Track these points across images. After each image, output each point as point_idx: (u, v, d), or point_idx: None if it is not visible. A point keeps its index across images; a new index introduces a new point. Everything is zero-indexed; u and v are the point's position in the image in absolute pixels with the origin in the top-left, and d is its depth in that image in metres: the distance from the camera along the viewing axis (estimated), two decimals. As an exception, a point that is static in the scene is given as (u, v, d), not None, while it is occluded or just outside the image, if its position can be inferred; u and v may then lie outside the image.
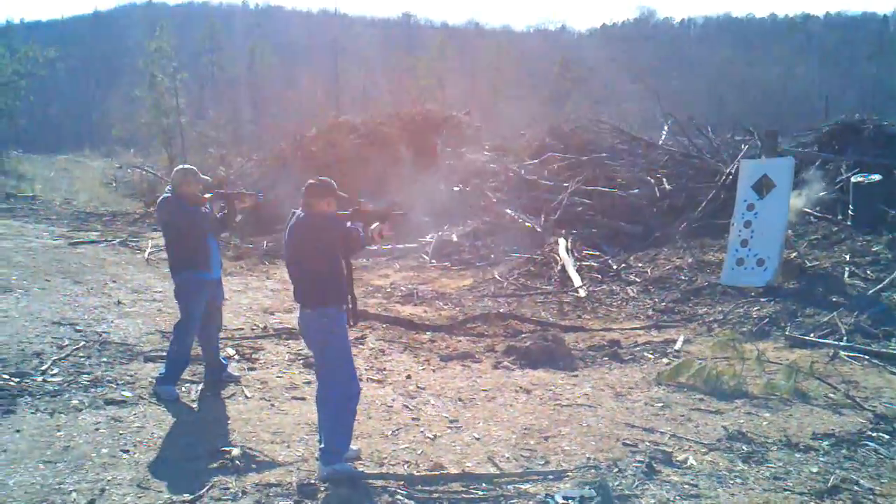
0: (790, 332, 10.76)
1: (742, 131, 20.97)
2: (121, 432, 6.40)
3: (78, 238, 18.20)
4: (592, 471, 6.00)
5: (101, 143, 50.56)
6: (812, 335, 10.57)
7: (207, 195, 7.73)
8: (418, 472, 5.88)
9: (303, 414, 7.19)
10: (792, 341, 10.45)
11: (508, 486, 5.63)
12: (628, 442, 6.74)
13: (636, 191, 17.20)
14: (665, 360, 9.83)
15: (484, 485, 5.63)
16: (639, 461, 6.27)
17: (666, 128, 21.94)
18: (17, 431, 6.25)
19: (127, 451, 6.00)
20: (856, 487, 5.88)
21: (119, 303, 11.40)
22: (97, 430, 6.41)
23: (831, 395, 8.29)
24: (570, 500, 4.90)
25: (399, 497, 5.28)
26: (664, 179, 17.52)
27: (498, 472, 5.87)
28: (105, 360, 8.41)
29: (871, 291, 11.52)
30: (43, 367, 7.84)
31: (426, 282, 14.90)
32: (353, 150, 20.54)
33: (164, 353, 8.62)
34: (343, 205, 6.00)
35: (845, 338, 10.29)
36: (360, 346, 9.87)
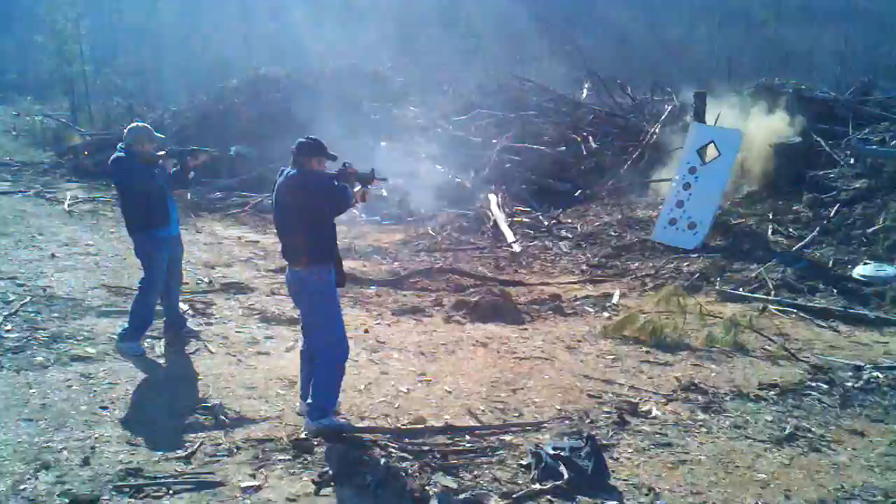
0: (721, 286, 11.18)
1: (659, 91, 21.44)
2: (94, 389, 6.29)
3: (-10, 189, 17.44)
4: (566, 422, 6.23)
5: (-9, 89, 48.11)
6: (742, 289, 11.02)
7: (161, 152, 7.55)
8: (402, 425, 5.97)
9: (271, 369, 7.19)
10: (723, 296, 10.88)
11: (491, 438, 5.80)
12: (592, 394, 6.98)
13: (563, 148, 17.46)
14: (606, 315, 10.13)
15: (467, 436, 5.77)
16: (607, 412, 6.52)
17: (586, 87, 22.23)
18: (-14, 389, 6.10)
19: (106, 409, 5.92)
20: (809, 434, 6.26)
21: (53, 256, 11.05)
22: (69, 387, 6.28)
23: (767, 348, 8.72)
24: (559, 451, 5.07)
25: (392, 450, 5.37)
26: (590, 138, 17.81)
27: (479, 425, 6.03)
28: (56, 315, 8.18)
29: (794, 248, 12.07)
30: (-4, 324, 7.61)
31: (359, 237, 14.86)
32: (276, 103, 20.14)
33: (117, 309, 8.52)
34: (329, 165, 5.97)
35: (773, 292, 10.77)
36: (310, 301, 9.83)
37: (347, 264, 12.21)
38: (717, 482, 5.29)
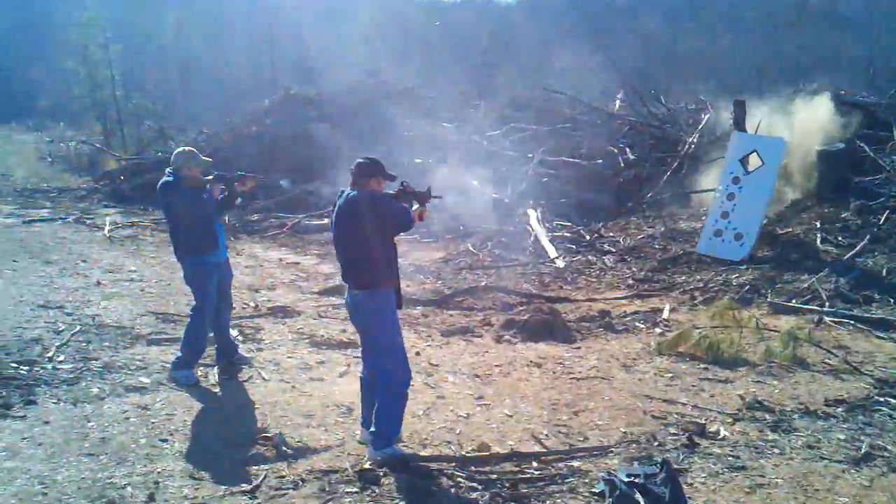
0: (772, 298, 10.96)
1: (694, 100, 21.24)
2: (152, 420, 6.21)
3: (30, 216, 17.55)
4: (634, 445, 6.06)
5: (26, 116, 48.67)
6: (794, 301, 10.79)
7: (208, 178, 7.49)
8: (465, 452, 5.84)
9: (326, 395, 7.08)
10: (776, 308, 10.64)
11: (559, 464, 5.65)
12: (656, 415, 6.81)
13: (600, 161, 17.30)
14: (658, 330, 9.95)
15: (534, 463, 5.63)
16: (674, 434, 6.34)
17: (619, 97, 22.07)
18: (46, 423, 6.03)
19: (166, 441, 5.83)
20: (885, 453, 6.04)
21: (98, 283, 11.07)
22: (127, 419, 6.21)
23: (828, 361, 8.49)
24: (634, 477, 4.91)
25: (460, 479, 5.23)
26: (627, 149, 17.64)
27: (544, 450, 5.88)
28: (107, 344, 8.16)
29: (845, 257, 11.80)
30: (48, 354, 7.58)
31: (399, 255, 14.73)
32: (308, 122, 20.16)
33: (167, 336, 8.47)
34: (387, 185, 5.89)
35: (827, 303, 10.53)
36: (358, 324, 9.75)
37: (391, 284, 12.21)
38: (801, 508, 5.10)
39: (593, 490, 5.21)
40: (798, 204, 14.02)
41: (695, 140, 16.54)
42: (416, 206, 5.88)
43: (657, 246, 13.89)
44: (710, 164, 15.16)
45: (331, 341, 8.82)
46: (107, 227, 16.35)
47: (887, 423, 6.74)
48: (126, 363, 7.57)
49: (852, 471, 5.70)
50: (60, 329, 8.51)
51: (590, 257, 13.93)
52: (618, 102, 21.67)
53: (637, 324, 10.29)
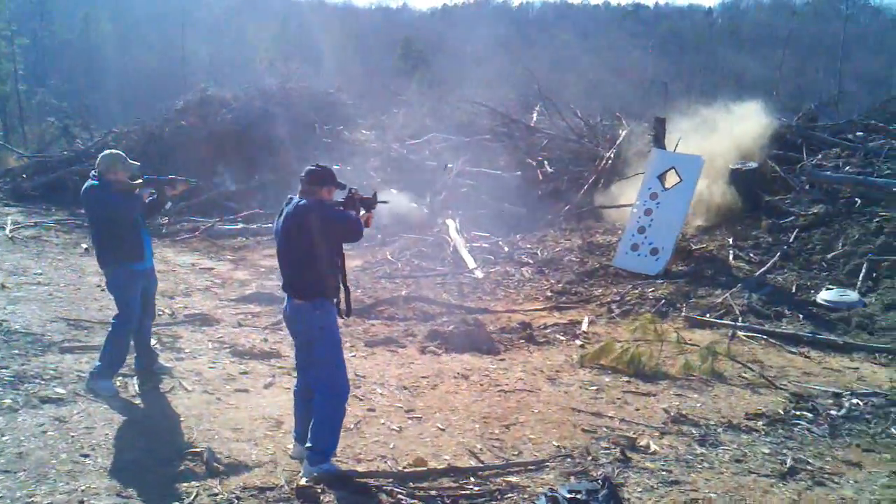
0: (687, 312, 11.18)
1: (610, 116, 21.63)
2: (71, 434, 5.89)
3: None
4: (568, 460, 6.05)
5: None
6: (708, 315, 11.03)
7: (137, 181, 7.19)
8: (402, 467, 5.73)
9: (254, 407, 6.87)
10: (691, 321, 10.86)
11: (496, 479, 5.58)
12: (586, 428, 6.83)
13: (518, 173, 17.41)
14: (578, 342, 10.04)
15: (472, 479, 5.55)
16: (605, 448, 6.37)
17: (537, 110, 22.28)
18: (-47, 437, 5.67)
19: (87, 456, 5.53)
20: (808, 467, 6.19)
21: (3, 287, 10.55)
22: (44, 432, 5.87)
23: (744, 375, 8.71)
24: (576, 493, 4.88)
25: (400, 496, 5.11)
26: (545, 162, 17.81)
27: (481, 465, 5.82)
28: (17, 352, 7.74)
29: (757, 273, 12.15)
30: (-47, 362, 7.16)
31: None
32: (226, 125, 19.70)
33: (80, 344, 8.15)
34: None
35: (740, 318, 10.80)
36: (280, 333, 9.53)
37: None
38: (738, 523, 5.17)
39: (534, 506, 5.18)
40: (710, 220, 14.36)
41: (611, 155, 16.79)
42: (362, 213, 5.73)
43: (574, 259, 14.03)
44: (626, 179, 15.39)
45: (253, 351, 8.58)
46: (8, 227, 15.66)
47: (806, 437, 6.91)
48: (39, 372, 7.19)
49: (780, 484, 5.81)
50: (-37, 334, 8.06)
51: (508, 268, 13.98)
52: (535, 115, 21.84)
53: (558, 336, 10.35)
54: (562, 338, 10.25)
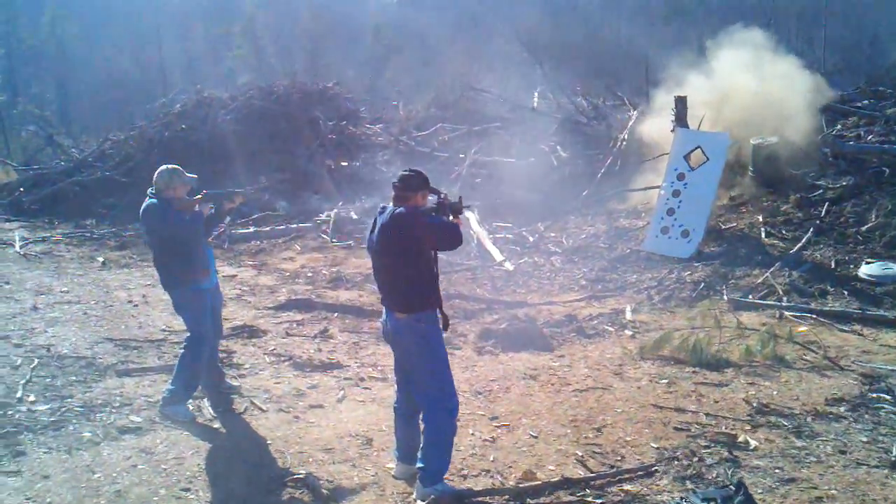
0: (729, 294, 11.05)
1: (612, 96, 21.46)
2: (162, 467, 5.68)
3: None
4: (675, 462, 5.90)
5: None
6: (752, 297, 10.91)
7: (196, 197, 6.92)
8: (513, 482, 5.55)
9: (335, 424, 6.67)
10: (735, 304, 10.71)
11: (611, 489, 5.44)
12: (677, 426, 6.68)
13: (532, 160, 17.21)
14: (628, 332, 9.89)
15: (588, 490, 5.39)
16: (705, 446, 6.22)
17: (536, 95, 22.06)
18: (46, 478, 5.43)
19: (188, 490, 5.33)
20: (913, 453, 6.06)
21: (35, 308, 10.27)
22: (134, 466, 5.66)
23: (806, 358, 8.59)
24: (711, 501, 4.73)
25: (525, 515, 4.96)
26: (558, 147, 17.61)
27: (592, 475, 5.65)
28: (75, 378, 7.51)
29: (792, 251, 12.01)
30: (17, 395, 6.90)
31: (336, 263, 14.33)
32: (225, 126, 19.36)
33: (136, 366, 7.92)
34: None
35: (784, 298, 10.69)
36: (331, 341, 9.34)
37: (343, 295, 11.81)
38: (871, 521, 5.03)
39: (664, 516, 5.03)
40: (736, 198, 14.21)
41: (625, 137, 16.62)
42: (450, 219, 5.50)
43: (603, 245, 13.86)
44: (646, 161, 15.20)
45: (313, 363, 8.35)
46: (17, 244, 15.32)
47: (895, 421, 6.80)
48: (106, 400, 6.96)
49: (894, 476, 5.68)
50: (17, 364, 7.79)
51: (536, 259, 13.80)
52: (535, 99, 21.61)
53: (605, 326, 10.19)
54: (610, 328, 10.09)
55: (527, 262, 13.63)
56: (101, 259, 14.30)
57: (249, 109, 20.13)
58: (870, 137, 14.24)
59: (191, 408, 6.81)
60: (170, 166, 6.79)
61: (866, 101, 16.00)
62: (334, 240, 15.90)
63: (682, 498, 4.99)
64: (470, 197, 16.03)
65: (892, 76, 19.12)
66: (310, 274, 13.32)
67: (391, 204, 5.27)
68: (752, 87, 14.19)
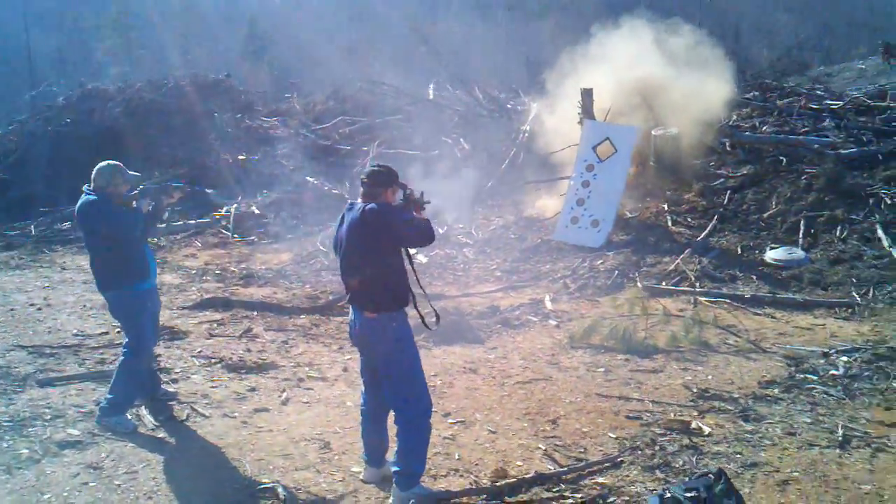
0: (642, 282, 11.26)
1: (507, 89, 21.63)
2: (116, 483, 5.29)
3: None
4: (638, 452, 5.92)
5: None
6: (664, 283, 11.15)
7: (133, 193, 6.50)
8: (488, 481, 5.45)
9: (287, 428, 6.41)
10: (650, 291, 10.91)
11: (585, 482, 5.41)
12: (629, 415, 6.73)
13: (436, 152, 17.11)
14: (552, 322, 9.92)
15: (562, 485, 5.35)
16: (661, 434, 6.28)
17: (432, 87, 21.96)
18: (-12, 502, 5.01)
19: (149, 508, 5.00)
20: (854, 433, 6.26)
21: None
22: (85, 483, 5.26)
23: (729, 342, 8.83)
24: (694, 491, 4.73)
25: (507, 514, 4.86)
26: (461, 139, 17.57)
27: (563, 468, 5.61)
28: (-9, 389, 6.98)
29: (699, 238, 12.36)
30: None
31: (242, 259, 13.92)
32: (113, 119, 18.48)
33: (58, 375, 7.44)
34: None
35: (697, 284, 10.97)
36: (258, 340, 9.01)
37: (258, 292, 11.47)
38: (841, 501, 5.16)
39: (647, 509, 5.02)
40: (639, 189, 14.50)
41: (527, 129, 16.74)
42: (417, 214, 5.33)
43: (513, 235, 13.93)
44: (557, 152, 15.28)
45: (246, 364, 8.01)
46: None
47: (829, 401, 7.03)
48: (35, 412, 6.47)
49: (846, 456, 5.86)
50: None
51: (448, 251, 13.74)
52: (431, 91, 21.52)
53: (528, 317, 10.20)
54: (534, 318, 10.11)
55: (438, 254, 13.53)
56: (-13, 262, 13.44)
57: (139, 102, 19.29)
58: (765, 128, 14.78)
59: (129, 417, 6.41)
60: (111, 162, 6.35)
61: (755, 93, 16.60)
62: (236, 236, 15.43)
63: (664, 489, 4.98)
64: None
65: (774, 70, 19.92)
66: (218, 271, 12.87)
67: (359, 200, 5.06)
68: (657, 76, 14.45)
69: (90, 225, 6.22)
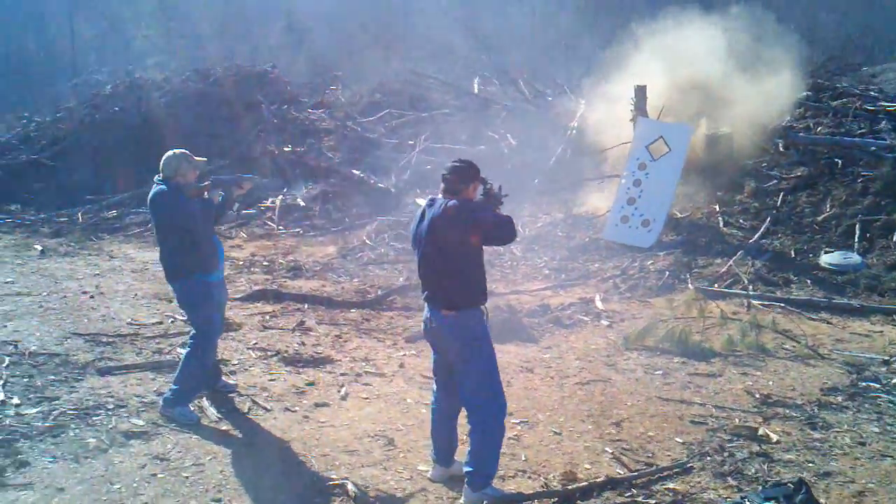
0: (694, 283, 11.13)
1: (552, 84, 21.47)
2: (183, 475, 5.29)
3: None
4: (707, 458, 5.84)
5: None
6: (717, 285, 11.01)
7: (205, 183, 6.50)
8: (557, 484, 5.39)
9: (349, 424, 6.39)
10: (701, 293, 10.77)
11: (655, 487, 5.34)
12: (694, 420, 6.65)
13: (483, 147, 17.01)
14: (604, 322, 9.84)
15: (634, 490, 5.28)
16: (728, 440, 6.20)
17: (477, 81, 21.87)
18: (61, 490, 5.00)
19: (219, 500, 4.98)
20: (926, 441, 6.15)
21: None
22: (153, 475, 5.27)
23: (786, 347, 8.70)
24: (773, 501, 4.67)
25: (583, 518, 4.81)
26: (508, 135, 17.46)
27: (633, 473, 5.54)
28: (54, 378, 6.99)
29: (752, 240, 12.19)
30: (0, 397, 6.40)
31: (288, 251, 13.93)
32: (161, 109, 18.60)
33: (116, 364, 7.45)
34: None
35: (750, 287, 10.82)
36: (311, 334, 9.01)
37: (306, 285, 11.48)
38: (920, 515, 5.07)
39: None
40: (690, 188, 14.32)
41: (575, 125, 16.61)
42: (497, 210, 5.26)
43: (561, 233, 13.83)
44: (598, 151, 15.16)
45: (303, 357, 8.02)
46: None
47: (892, 408, 6.91)
48: (98, 402, 6.50)
49: (917, 465, 5.75)
50: (-16, 361, 7.25)
51: (495, 247, 13.64)
52: (476, 86, 21.41)
53: (580, 316, 10.11)
54: (585, 318, 10.02)
55: (486, 250, 13.40)
56: (38, 247, 13.55)
57: (185, 92, 19.40)
58: (819, 129, 14.55)
59: (192, 409, 6.43)
60: (178, 151, 6.35)
61: (808, 93, 16.33)
62: (281, 227, 15.46)
63: (742, 497, 4.91)
64: (419, 184, 15.98)
65: (828, 68, 19.61)
66: (265, 263, 12.89)
67: (440, 196, 5.02)
68: (714, 75, 14.28)
69: (161, 215, 6.23)
